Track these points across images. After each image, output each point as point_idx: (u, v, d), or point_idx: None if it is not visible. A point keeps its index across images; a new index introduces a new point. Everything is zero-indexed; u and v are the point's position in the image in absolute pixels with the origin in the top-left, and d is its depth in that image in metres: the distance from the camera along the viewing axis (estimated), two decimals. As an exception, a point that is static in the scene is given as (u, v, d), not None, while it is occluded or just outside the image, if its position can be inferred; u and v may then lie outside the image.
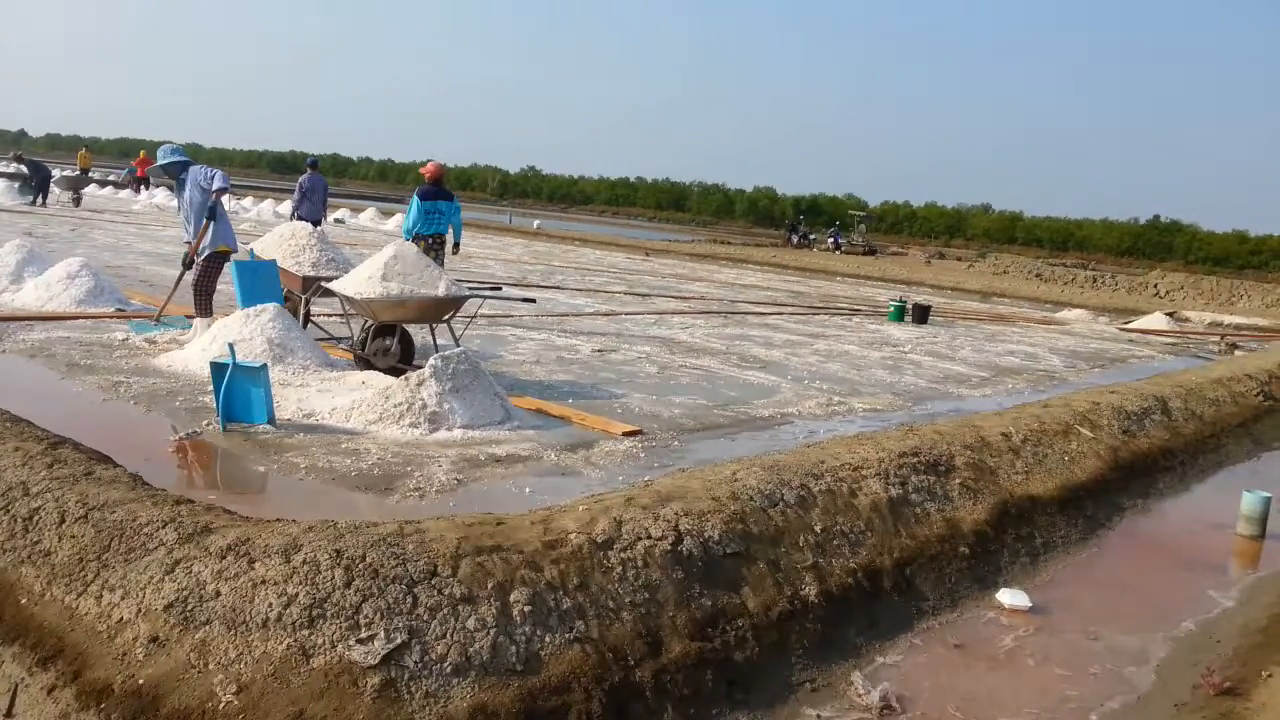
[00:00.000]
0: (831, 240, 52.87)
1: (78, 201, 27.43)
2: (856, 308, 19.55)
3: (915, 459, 6.05)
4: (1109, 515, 6.97)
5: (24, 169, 27.31)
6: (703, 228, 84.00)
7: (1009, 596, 5.22)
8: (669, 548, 4.18)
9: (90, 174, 32.36)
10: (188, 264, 8.65)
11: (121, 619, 3.39)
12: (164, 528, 3.76)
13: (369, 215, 37.35)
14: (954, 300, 25.31)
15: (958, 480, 6.12)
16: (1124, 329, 20.80)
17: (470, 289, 8.47)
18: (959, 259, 53.66)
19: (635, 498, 4.55)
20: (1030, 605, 5.15)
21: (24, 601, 3.65)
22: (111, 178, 31.94)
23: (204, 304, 8.53)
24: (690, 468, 5.73)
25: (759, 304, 18.35)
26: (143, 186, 36.15)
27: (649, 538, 4.17)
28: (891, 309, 17.53)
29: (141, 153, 41.56)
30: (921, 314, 17.23)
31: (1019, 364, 13.03)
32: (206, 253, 8.52)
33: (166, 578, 3.48)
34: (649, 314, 14.66)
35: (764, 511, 4.79)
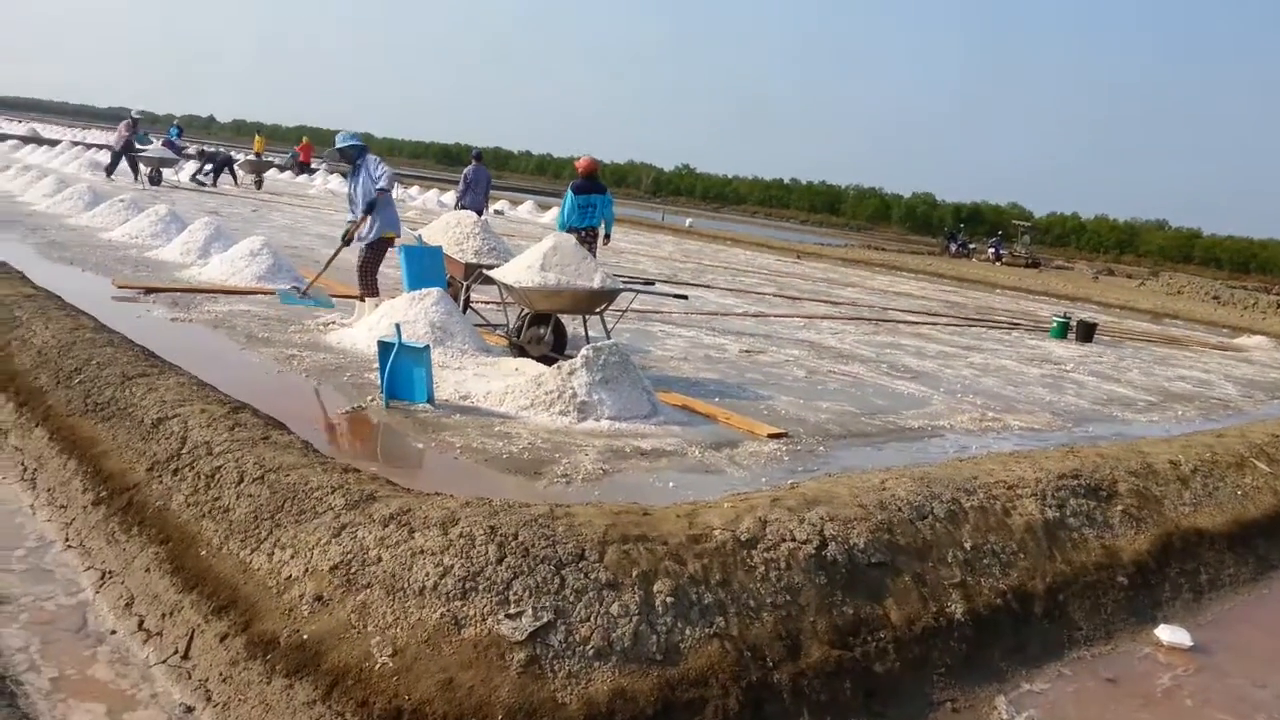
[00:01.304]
0: (992, 250, 51.12)
1: (259, 184, 29.15)
2: (1016, 322, 18.85)
3: (1075, 481, 5.80)
4: (1285, 557, 6.52)
5: (204, 155, 29.49)
6: (857, 232, 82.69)
7: (1169, 633, 4.95)
8: (813, 552, 4.14)
9: (265, 158, 34.46)
10: (346, 240, 8.99)
11: (290, 576, 3.60)
12: (332, 493, 3.98)
13: (527, 208, 38.32)
14: (1122, 319, 24.09)
15: (1119, 507, 5.84)
16: (1311, 360, 19.35)
17: (623, 283, 8.59)
18: (1129, 276, 51.06)
19: (781, 499, 4.53)
20: (1191, 644, 4.87)
21: (203, 553, 3.92)
22: (276, 161, 34.05)
23: (368, 284, 8.90)
24: (837, 473, 5.66)
25: (912, 313, 17.91)
26: (304, 171, 38.30)
27: (793, 540, 4.15)
28: (1054, 325, 16.82)
29: (304, 139, 43.89)
30: (1086, 332, 16.47)
31: (1190, 390, 12.30)
32: (371, 238, 8.85)
33: (333, 540, 3.67)
34: (798, 317, 14.53)
35: (912, 523, 4.69)
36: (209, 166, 28.18)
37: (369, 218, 8.74)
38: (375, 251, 8.95)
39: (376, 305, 8.51)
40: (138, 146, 24.16)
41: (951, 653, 4.20)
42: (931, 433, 7.63)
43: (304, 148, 40.80)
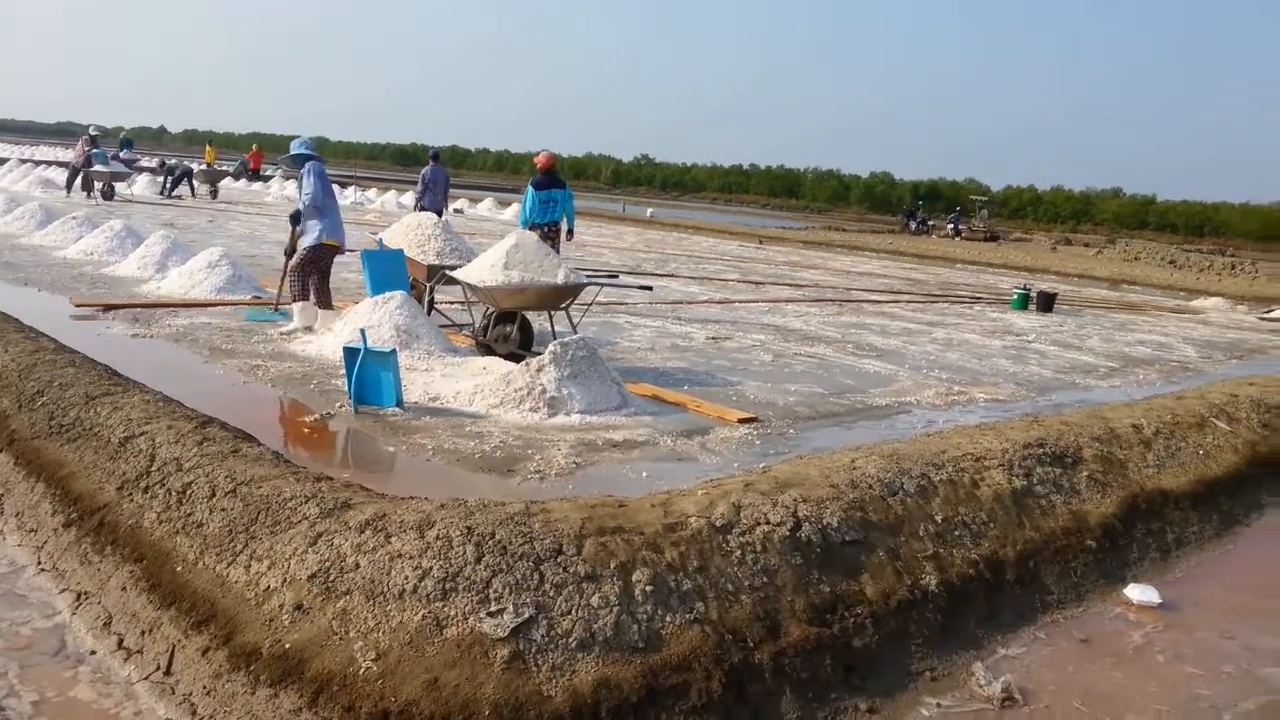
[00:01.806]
0: (951, 226, 51.60)
1: (214, 194, 28.83)
2: (977, 295, 19.08)
3: (1040, 450, 5.91)
4: (1246, 512, 6.68)
5: (165, 167, 29.27)
6: (817, 214, 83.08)
7: (1138, 592, 5.07)
8: (788, 533, 4.20)
9: (217, 167, 34.19)
10: (288, 252, 8.92)
11: (268, 587, 3.60)
12: (306, 503, 3.98)
13: (487, 205, 38.18)
14: (1081, 288, 24.43)
15: (1085, 472, 5.96)
16: (1265, 318, 19.75)
17: (587, 277, 8.61)
18: (1086, 245, 51.73)
19: (754, 483, 4.58)
20: (1160, 602, 4.99)
21: (179, 569, 3.91)
22: (229, 169, 33.89)
23: (301, 287, 8.59)
24: (808, 455, 5.73)
25: (875, 292, 18.07)
26: (255, 178, 38.09)
27: (768, 523, 4.20)
28: (1015, 296, 17.05)
29: (254, 146, 43.54)
30: (1047, 302, 16.71)
31: (1150, 354, 12.52)
32: (309, 243, 8.60)
33: (310, 549, 3.68)
34: (763, 302, 14.61)
35: (883, 500, 4.76)
36: (170, 179, 27.93)
37: (302, 226, 8.61)
38: (313, 255, 8.62)
39: (303, 310, 8.49)
40: (96, 166, 23.84)
41: (928, 624, 4.28)
42: (899, 409, 7.72)
43: (254, 155, 40.38)
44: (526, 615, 3.36)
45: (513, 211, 33.46)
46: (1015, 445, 5.86)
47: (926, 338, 11.97)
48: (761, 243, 33.41)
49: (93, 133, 24.15)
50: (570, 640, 3.33)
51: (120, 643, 3.69)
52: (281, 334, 8.46)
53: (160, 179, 28.39)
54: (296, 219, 8.68)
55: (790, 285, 17.87)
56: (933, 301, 17.13)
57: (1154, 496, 6.13)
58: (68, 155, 27.46)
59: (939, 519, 4.86)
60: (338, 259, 9.02)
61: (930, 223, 54.52)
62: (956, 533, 4.86)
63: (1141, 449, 6.64)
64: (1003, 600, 4.70)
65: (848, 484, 4.76)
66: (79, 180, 24.01)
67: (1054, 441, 6.12)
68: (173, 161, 32.18)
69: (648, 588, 3.62)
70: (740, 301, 14.38)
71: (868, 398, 8.02)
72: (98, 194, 23.56)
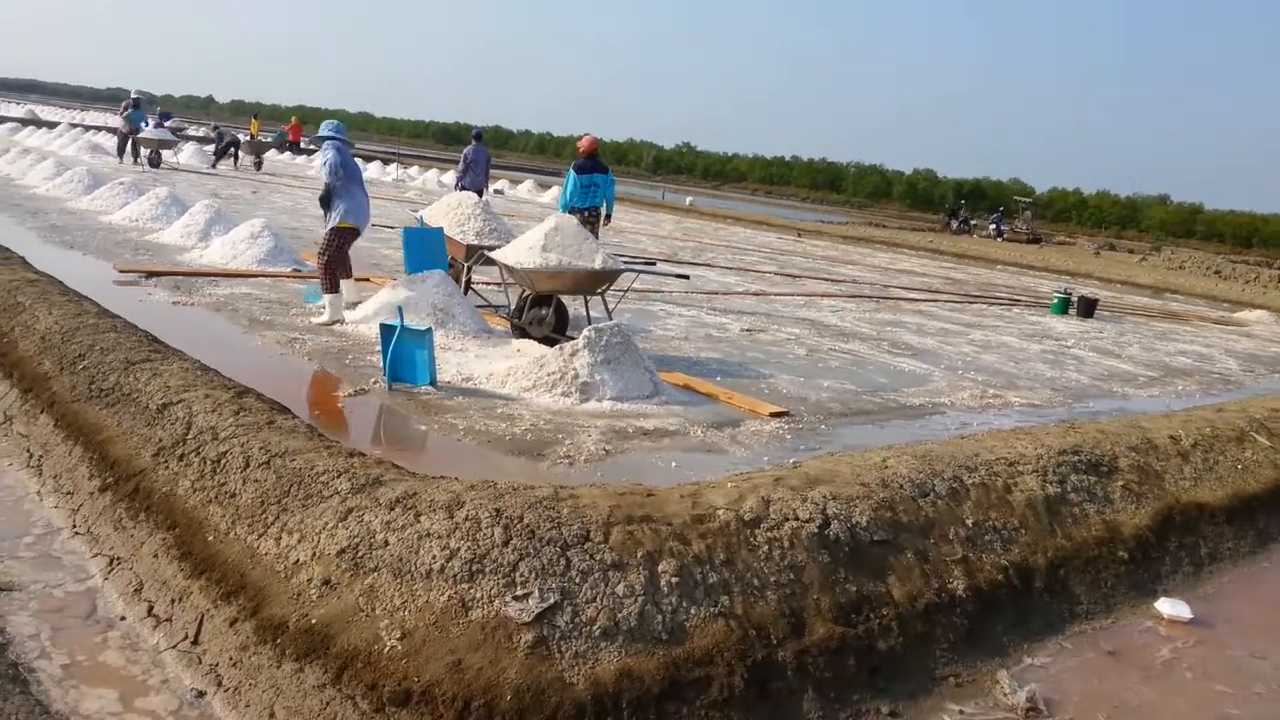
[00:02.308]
0: (993, 226, 50.96)
1: (259, 165, 29.11)
2: (1017, 298, 18.85)
3: (1075, 457, 5.83)
4: (1285, 530, 6.56)
5: (218, 131, 29.60)
6: (858, 210, 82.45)
7: (1169, 606, 4.99)
8: (816, 530, 4.17)
9: (261, 139, 34.53)
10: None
11: (298, 561, 3.63)
12: (338, 477, 4.00)
13: (527, 187, 38.23)
14: (1123, 295, 24.08)
15: (1120, 482, 5.87)
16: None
17: (625, 263, 8.59)
18: (1130, 251, 50.90)
19: (784, 478, 4.56)
20: (1191, 617, 4.91)
21: (210, 539, 3.95)
22: (266, 139, 34.36)
23: (328, 279, 8.20)
24: (839, 452, 5.69)
25: (913, 290, 17.91)
26: (293, 150, 38.49)
27: (796, 519, 4.18)
28: (1055, 301, 16.83)
29: (293, 119, 43.97)
30: (1087, 307, 16.48)
31: (1191, 365, 12.32)
32: (328, 225, 8.36)
33: (340, 525, 3.70)
34: (799, 295, 14.53)
35: (914, 501, 4.71)
36: (217, 149, 28.36)
37: (332, 206, 8.32)
38: (333, 240, 8.28)
39: (332, 300, 8.14)
40: (143, 133, 24.17)
41: (954, 628, 4.24)
42: (933, 410, 7.65)
43: (293, 127, 40.78)
44: (552, 601, 3.36)
45: (552, 195, 33.47)
46: (1050, 451, 5.78)
47: (964, 338, 11.84)
48: (800, 235, 33.21)
49: (134, 96, 24.42)
50: (594, 628, 3.33)
51: (150, 610, 3.74)
52: (317, 324, 8.29)
53: (212, 146, 28.76)
54: (325, 202, 8.48)
55: (827, 280, 17.75)
56: (971, 302, 16.95)
57: (1189, 509, 6.03)
58: (116, 121, 27.79)
59: (970, 523, 4.81)
60: (377, 235, 8.98)
61: (972, 222, 53.85)
62: (987, 537, 4.81)
63: (1179, 461, 6.53)
64: (1031, 608, 4.65)
65: (878, 483, 4.72)
66: (128, 146, 24.32)
67: (1090, 449, 6.03)
68: (223, 129, 32.52)
69: (673, 579, 3.61)
70: (776, 294, 14.31)
71: (901, 396, 7.95)
72: (144, 160, 23.85)
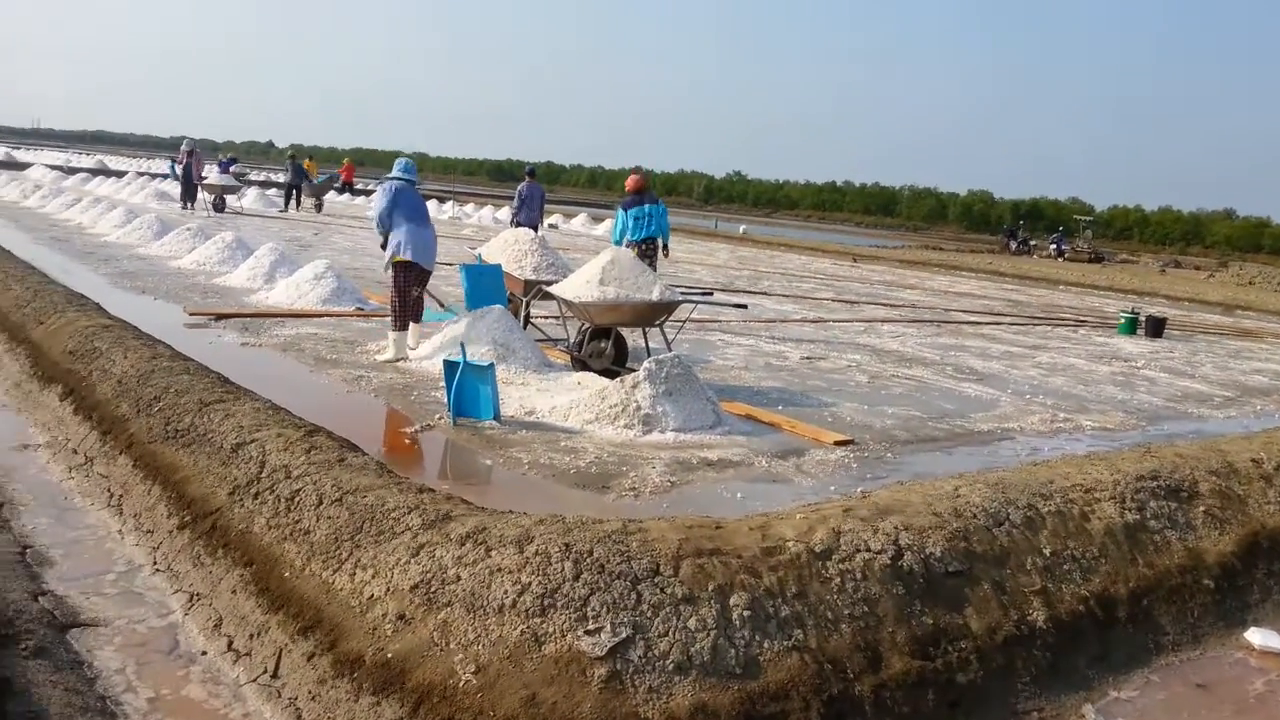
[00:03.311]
0: (1054, 246, 50.21)
1: (319, 207, 29.75)
2: (1082, 318, 18.50)
3: (1154, 483, 5.67)
4: (1379, 555, 6.30)
5: (293, 167, 30.16)
6: (913, 233, 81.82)
7: (1260, 637, 4.82)
8: (888, 562, 4.11)
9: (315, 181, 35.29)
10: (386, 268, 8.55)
11: (372, 596, 3.67)
12: (409, 513, 4.04)
13: (580, 221, 38.59)
14: (1191, 313, 23.50)
15: (1201, 508, 5.70)
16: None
17: (682, 294, 8.60)
18: (1197, 268, 49.81)
19: (853, 509, 4.50)
20: (1285, 647, 4.74)
21: (287, 575, 4.01)
22: (334, 184, 35.18)
23: (395, 317, 8.23)
24: (908, 481, 5.60)
25: (974, 313, 17.66)
26: (347, 192, 39.26)
27: (868, 550, 4.11)
28: (1122, 321, 16.47)
29: (346, 160, 44.89)
30: (1156, 327, 16.10)
31: (1268, 384, 11.95)
32: (385, 262, 8.35)
33: (412, 560, 3.73)
34: (858, 321, 14.41)
35: (988, 530, 4.62)
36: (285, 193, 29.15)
37: (388, 241, 8.28)
38: (396, 277, 8.24)
39: (401, 340, 8.16)
40: (208, 179, 24.89)
41: (1035, 661, 4.13)
42: (1001, 435, 7.51)
43: (347, 168, 41.61)
44: (624, 635, 3.34)
45: (605, 227, 33.71)
46: (1127, 477, 5.64)
47: (1029, 361, 11.63)
48: (855, 261, 33.00)
49: (187, 147, 25.07)
50: (667, 662, 3.30)
51: (230, 644, 3.80)
52: (381, 361, 8.37)
53: (275, 190, 29.51)
54: (385, 242, 8.38)
55: (886, 305, 17.59)
56: (1035, 324, 16.66)
57: (1276, 535, 5.83)
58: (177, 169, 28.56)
59: (1047, 552, 4.70)
60: (437, 272, 8.98)
61: (1032, 243, 53.14)
62: (1065, 567, 4.69)
63: (1262, 484, 6.33)
64: (1114, 640, 4.52)
65: (951, 512, 4.64)
66: (193, 192, 25.01)
67: (1168, 474, 5.87)
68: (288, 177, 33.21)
69: (745, 612, 3.58)
70: (835, 321, 14.21)
71: (968, 422, 7.82)
72: (209, 205, 24.48)
